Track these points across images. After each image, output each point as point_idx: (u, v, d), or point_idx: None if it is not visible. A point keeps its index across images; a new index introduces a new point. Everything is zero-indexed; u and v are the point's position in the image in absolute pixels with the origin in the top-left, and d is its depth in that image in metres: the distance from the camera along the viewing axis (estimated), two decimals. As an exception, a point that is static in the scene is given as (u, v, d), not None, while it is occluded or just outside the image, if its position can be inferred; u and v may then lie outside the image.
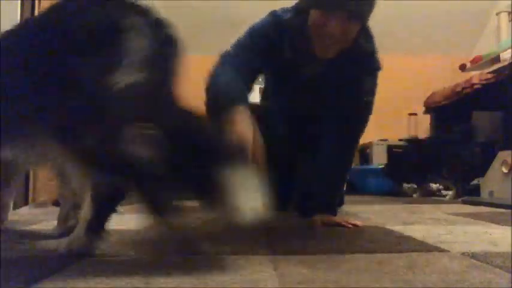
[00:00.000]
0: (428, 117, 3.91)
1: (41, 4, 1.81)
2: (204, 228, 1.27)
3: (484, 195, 2.46)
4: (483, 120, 3.30)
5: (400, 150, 3.69)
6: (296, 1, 1.35)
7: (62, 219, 1.14)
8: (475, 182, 3.09)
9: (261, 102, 1.79)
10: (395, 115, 4.61)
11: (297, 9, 1.32)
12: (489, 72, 3.18)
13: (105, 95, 0.62)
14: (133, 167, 0.63)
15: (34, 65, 0.68)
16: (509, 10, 3.79)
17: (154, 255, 0.92)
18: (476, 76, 3.15)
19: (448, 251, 0.92)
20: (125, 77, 0.62)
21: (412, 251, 0.92)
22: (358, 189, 3.52)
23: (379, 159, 4.00)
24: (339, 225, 1.30)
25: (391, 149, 4.03)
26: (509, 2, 3.72)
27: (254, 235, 1.08)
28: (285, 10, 1.35)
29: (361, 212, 1.85)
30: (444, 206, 2.15)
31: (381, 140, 4.20)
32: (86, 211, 0.84)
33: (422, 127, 4.30)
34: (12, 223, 1.36)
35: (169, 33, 0.75)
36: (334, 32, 1.19)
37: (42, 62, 0.67)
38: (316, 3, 1.22)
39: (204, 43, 3.23)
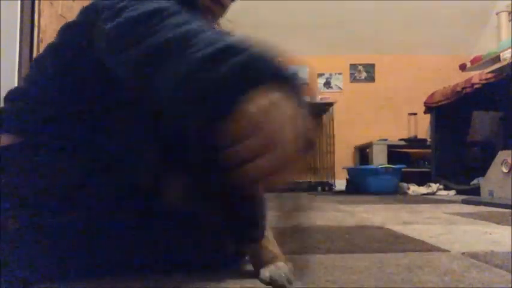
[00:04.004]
0: (428, 117, 3.91)
1: (41, 4, 1.81)
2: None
3: (484, 195, 2.46)
4: (483, 120, 3.31)
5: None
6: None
7: None
8: (475, 181, 3.10)
9: None
10: (395, 115, 4.62)
11: None
12: (489, 72, 3.18)
13: None
14: None
15: None
16: (509, 10, 3.79)
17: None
18: (476, 76, 3.15)
19: (448, 251, 0.92)
20: None
21: (412, 251, 0.92)
22: (358, 189, 3.52)
23: (379, 159, 4.00)
24: None
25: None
26: (509, 2, 3.73)
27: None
28: None
29: (361, 212, 1.85)
30: (444, 206, 2.15)
31: (381, 140, 4.20)
32: None
33: (422, 127, 4.31)
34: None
35: None
36: None
37: None
38: None
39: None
